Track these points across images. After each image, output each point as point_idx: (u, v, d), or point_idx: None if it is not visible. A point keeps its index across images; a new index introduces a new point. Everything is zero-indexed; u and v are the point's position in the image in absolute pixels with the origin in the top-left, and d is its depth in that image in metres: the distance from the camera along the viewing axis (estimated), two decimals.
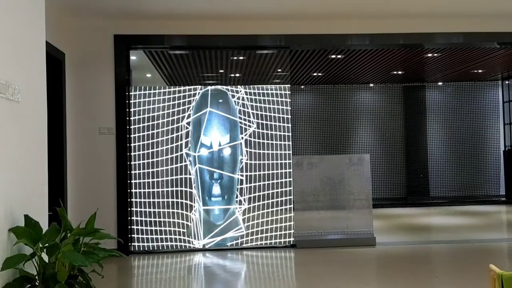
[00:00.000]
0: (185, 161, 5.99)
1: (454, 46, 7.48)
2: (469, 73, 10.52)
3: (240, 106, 6.03)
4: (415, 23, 6.43)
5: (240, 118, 5.82)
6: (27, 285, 2.60)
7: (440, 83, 11.73)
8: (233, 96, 5.99)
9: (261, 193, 6.48)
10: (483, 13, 6.30)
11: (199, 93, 6.13)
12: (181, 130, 6.23)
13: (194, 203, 6.11)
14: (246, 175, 6.42)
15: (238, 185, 5.99)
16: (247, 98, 6.43)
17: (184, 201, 6.10)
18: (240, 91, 5.78)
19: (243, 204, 5.42)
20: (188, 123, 5.22)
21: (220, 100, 6.04)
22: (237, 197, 5.67)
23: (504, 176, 11.53)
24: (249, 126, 4.73)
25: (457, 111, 11.66)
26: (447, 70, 10.04)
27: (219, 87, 6.17)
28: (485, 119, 11.70)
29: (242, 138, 5.21)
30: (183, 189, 6.15)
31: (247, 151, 5.89)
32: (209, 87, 6.34)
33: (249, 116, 6.16)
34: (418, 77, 11.08)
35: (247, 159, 5.46)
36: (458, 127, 11.64)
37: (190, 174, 5.57)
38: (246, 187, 6.46)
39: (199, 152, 5.66)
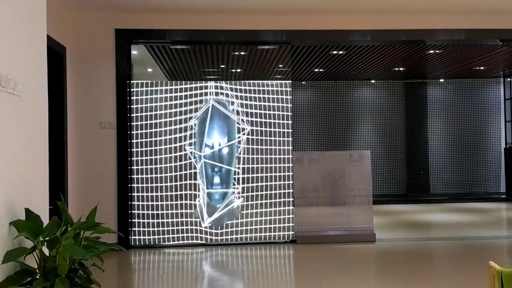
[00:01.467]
0: (189, 158, 6.17)
1: (456, 42, 7.46)
2: (471, 70, 10.49)
3: (239, 107, 6.21)
4: (417, 19, 6.41)
5: (238, 121, 6.05)
6: (28, 278, 2.61)
7: (441, 80, 11.71)
8: (232, 103, 6.12)
9: (262, 190, 6.49)
10: (485, 9, 6.28)
11: (203, 99, 6.13)
12: (187, 129, 6.27)
13: (199, 191, 6.18)
14: (245, 170, 6.45)
15: (234, 175, 6.25)
16: (247, 96, 6.45)
17: (188, 192, 6.20)
18: (236, 102, 5.99)
19: (238, 188, 5.87)
20: (195, 124, 5.81)
21: (222, 109, 6.10)
22: (233, 185, 6.05)
23: (504, 174, 11.53)
24: (245, 128, 5.57)
25: (458, 108, 11.64)
26: (449, 67, 10.02)
27: (220, 98, 6.16)
28: (487, 116, 11.68)
29: (240, 137, 5.85)
30: (188, 182, 6.22)
31: (247, 147, 6.23)
32: (212, 102, 6.31)
33: (247, 116, 6.27)
34: (420, 73, 11.05)
35: (241, 154, 6.06)
36: (459, 124, 11.63)
37: (195, 168, 5.93)
38: (246, 183, 6.47)
39: (204, 152, 6.02)
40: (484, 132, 11.68)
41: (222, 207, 6.21)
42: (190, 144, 5.86)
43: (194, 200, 6.23)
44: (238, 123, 6.00)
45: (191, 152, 5.92)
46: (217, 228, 6.34)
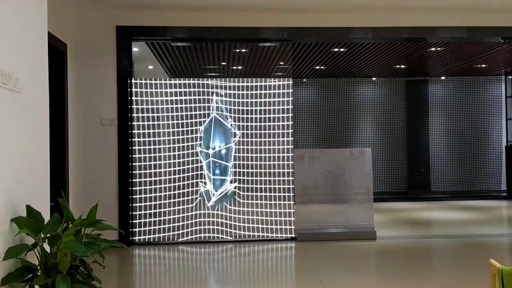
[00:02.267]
0: (196, 155, 6.47)
1: (457, 40, 7.45)
2: (472, 68, 10.48)
3: (233, 113, 6.56)
4: (419, 17, 6.40)
5: (232, 130, 6.58)
6: (29, 275, 2.61)
7: (443, 78, 11.69)
8: (229, 116, 6.57)
9: (263, 187, 6.51)
10: (487, 7, 6.27)
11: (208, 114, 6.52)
12: (193, 132, 6.49)
13: (206, 179, 6.53)
14: (240, 166, 6.48)
15: (230, 169, 6.60)
16: (248, 94, 6.48)
17: (195, 180, 6.47)
18: (231, 115, 6.57)
19: (231, 177, 6.55)
20: (201, 130, 6.50)
21: (221, 120, 6.57)
22: (229, 175, 6.59)
23: (505, 171, 11.52)
24: (237, 134, 6.52)
25: (459, 105, 11.63)
26: (450, 65, 10.00)
27: (220, 113, 6.49)
28: (488, 114, 11.67)
29: (234, 141, 6.54)
30: (195, 173, 6.46)
31: (248, 147, 6.57)
32: (214, 114, 6.46)
33: (240, 121, 6.56)
34: (421, 71, 11.04)
35: (235, 153, 6.57)
36: (460, 121, 11.62)
37: (201, 162, 6.49)
38: (244, 178, 6.50)
39: (208, 150, 6.52)
40: (485, 130, 11.67)
41: (221, 190, 6.59)
42: (198, 145, 6.47)
43: (202, 185, 6.54)
44: (232, 130, 6.54)
45: (200, 151, 6.48)
46: (218, 208, 6.50)
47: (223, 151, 6.57)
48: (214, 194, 6.56)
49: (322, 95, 11.57)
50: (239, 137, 6.52)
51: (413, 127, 11.68)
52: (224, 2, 5.98)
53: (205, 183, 6.53)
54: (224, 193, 6.56)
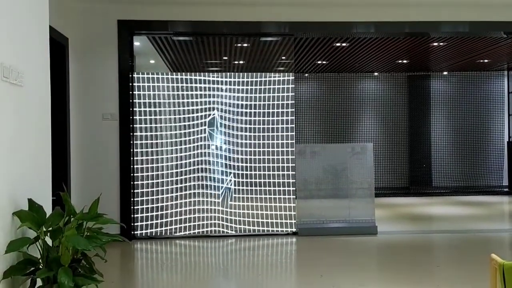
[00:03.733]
0: (204, 148, 6.58)
1: (460, 35, 7.42)
2: (475, 63, 10.44)
3: (236, 109, 6.61)
4: (421, 12, 6.37)
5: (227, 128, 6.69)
6: (31, 268, 2.63)
7: (445, 73, 11.66)
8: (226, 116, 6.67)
9: (265, 181, 6.51)
10: (490, 2, 6.24)
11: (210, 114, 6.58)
12: (199, 125, 6.44)
13: (207, 173, 6.61)
14: (248, 163, 6.48)
15: (232, 164, 6.64)
16: (248, 96, 6.46)
17: (202, 174, 6.59)
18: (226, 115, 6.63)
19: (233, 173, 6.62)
20: (204, 128, 6.60)
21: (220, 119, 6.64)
22: (231, 170, 6.64)
23: (507, 167, 11.51)
24: (227, 133, 6.63)
25: (461, 101, 11.61)
26: (453, 60, 9.97)
27: (220, 113, 6.57)
28: (490, 109, 11.64)
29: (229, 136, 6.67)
30: (191, 168, 6.51)
31: (250, 143, 6.62)
32: (216, 113, 6.49)
33: (242, 116, 6.59)
34: (423, 66, 11.01)
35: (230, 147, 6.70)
36: (462, 117, 11.60)
37: (202, 156, 6.58)
38: (249, 173, 6.51)
39: (210, 146, 6.63)
40: (487, 125, 11.65)
41: (223, 185, 6.63)
42: (205, 139, 6.58)
43: (204, 179, 6.65)
44: (227, 130, 6.68)
45: (209, 145, 6.61)
46: (220, 203, 6.54)
47: (224, 147, 6.60)
48: (216, 189, 6.59)
49: (324, 90, 11.55)
50: (233, 136, 6.58)
51: (415, 123, 11.66)
52: None
53: (206, 177, 6.55)
54: (226, 188, 6.59)
